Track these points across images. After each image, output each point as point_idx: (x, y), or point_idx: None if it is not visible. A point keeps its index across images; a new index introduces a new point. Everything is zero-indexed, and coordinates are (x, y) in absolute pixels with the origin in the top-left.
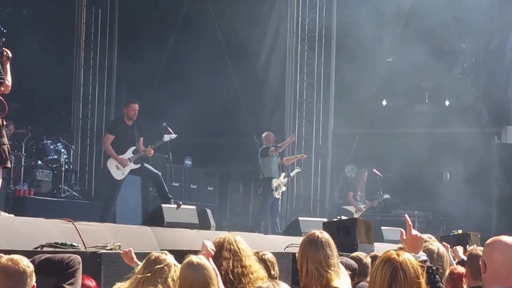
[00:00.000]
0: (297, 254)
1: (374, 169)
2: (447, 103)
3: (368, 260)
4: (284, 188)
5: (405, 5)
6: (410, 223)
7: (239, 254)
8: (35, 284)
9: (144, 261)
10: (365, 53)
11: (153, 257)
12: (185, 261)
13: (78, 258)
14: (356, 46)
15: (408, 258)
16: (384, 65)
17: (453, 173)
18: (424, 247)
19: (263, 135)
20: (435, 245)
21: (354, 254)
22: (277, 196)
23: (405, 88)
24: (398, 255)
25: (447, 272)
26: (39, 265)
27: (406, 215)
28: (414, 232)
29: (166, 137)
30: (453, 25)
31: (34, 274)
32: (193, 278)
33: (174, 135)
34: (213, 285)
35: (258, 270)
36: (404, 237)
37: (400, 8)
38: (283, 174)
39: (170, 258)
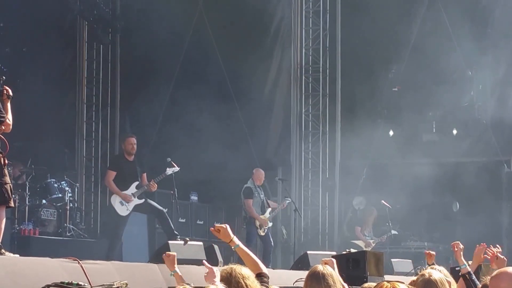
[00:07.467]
0: None
1: (383, 201)
2: (455, 132)
3: None
4: (270, 224)
5: (411, 34)
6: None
7: None
8: None
9: None
10: (370, 83)
11: None
12: None
13: None
14: (362, 76)
15: None
16: (390, 95)
17: (463, 203)
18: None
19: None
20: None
21: (366, 285)
22: (262, 234)
23: (411, 118)
24: (394, 287)
25: None
26: None
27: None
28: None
29: (169, 170)
30: (459, 52)
31: None
32: None
33: (177, 168)
34: None
35: None
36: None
37: (406, 37)
38: (268, 210)
39: None
